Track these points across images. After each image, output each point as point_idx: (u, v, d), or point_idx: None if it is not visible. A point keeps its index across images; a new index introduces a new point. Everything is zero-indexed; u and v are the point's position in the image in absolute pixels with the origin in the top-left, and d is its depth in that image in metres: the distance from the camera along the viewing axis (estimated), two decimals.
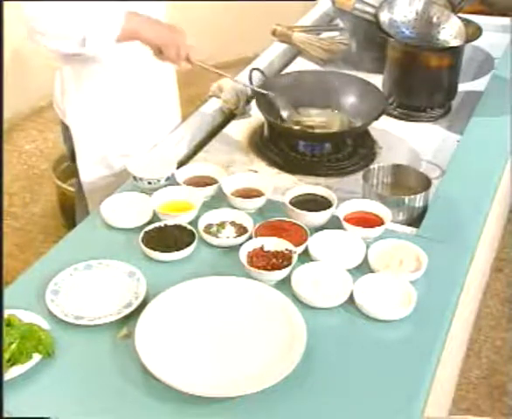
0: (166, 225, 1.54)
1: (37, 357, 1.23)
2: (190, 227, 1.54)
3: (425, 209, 1.63)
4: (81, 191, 1.98)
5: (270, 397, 1.17)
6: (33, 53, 2.47)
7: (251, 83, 2.10)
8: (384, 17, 2.13)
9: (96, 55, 1.74)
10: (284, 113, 1.96)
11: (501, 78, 2.26)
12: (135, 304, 1.34)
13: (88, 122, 1.89)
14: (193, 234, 1.52)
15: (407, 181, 1.71)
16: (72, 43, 1.69)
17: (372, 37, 2.22)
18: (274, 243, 1.47)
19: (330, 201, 1.60)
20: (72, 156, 1.96)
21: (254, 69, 2.18)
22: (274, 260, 1.43)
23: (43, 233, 3.10)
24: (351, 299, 1.36)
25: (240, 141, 1.99)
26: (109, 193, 1.67)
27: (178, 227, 1.54)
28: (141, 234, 1.51)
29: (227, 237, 1.52)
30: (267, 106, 1.95)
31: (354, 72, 2.20)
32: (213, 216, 1.57)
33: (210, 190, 1.66)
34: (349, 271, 1.42)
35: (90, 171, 1.93)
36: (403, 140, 2.02)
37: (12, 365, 1.21)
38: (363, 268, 1.45)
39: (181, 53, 1.74)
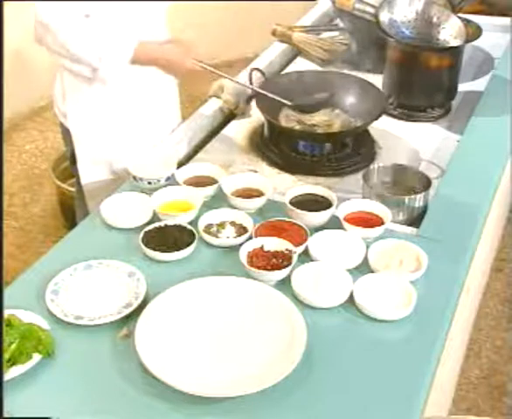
0: (166, 225, 1.54)
1: (37, 357, 1.23)
2: (190, 227, 1.54)
3: (425, 209, 1.63)
4: (81, 192, 1.98)
5: (270, 397, 1.17)
6: (33, 53, 2.48)
7: (251, 83, 2.10)
8: (384, 17, 2.13)
9: (106, 79, 1.81)
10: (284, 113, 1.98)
11: (501, 78, 2.26)
12: (135, 304, 1.34)
13: (89, 124, 1.89)
14: (193, 234, 1.52)
15: (407, 181, 1.71)
16: (83, 68, 1.78)
17: (372, 37, 2.22)
18: (274, 243, 1.47)
19: (330, 201, 1.60)
20: (72, 158, 1.96)
21: (254, 69, 2.18)
22: (274, 260, 1.43)
23: (43, 233, 3.10)
24: (351, 299, 1.36)
25: (240, 141, 1.99)
26: (109, 194, 1.67)
27: (178, 227, 1.54)
28: (141, 234, 1.51)
29: (227, 237, 1.52)
30: (267, 106, 1.95)
31: (354, 72, 2.20)
32: (213, 216, 1.57)
33: (210, 190, 1.66)
34: (349, 271, 1.42)
35: (90, 173, 1.93)
36: (403, 140, 2.02)
37: (12, 365, 1.21)
38: (363, 268, 1.45)
39: (182, 67, 1.86)
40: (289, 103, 1.94)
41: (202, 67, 1.86)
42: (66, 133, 1.94)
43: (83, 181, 1.94)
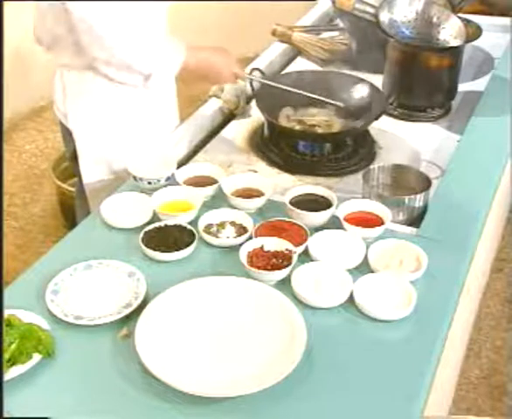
0: (166, 225, 1.54)
1: (37, 357, 1.23)
2: (190, 227, 1.54)
3: (425, 209, 1.63)
4: (82, 192, 1.98)
5: (270, 397, 1.17)
6: (33, 53, 2.48)
7: (251, 84, 2.10)
8: (384, 17, 2.13)
9: (153, 87, 1.81)
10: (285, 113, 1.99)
11: (501, 78, 2.26)
12: (135, 304, 1.34)
13: (90, 124, 1.89)
14: (193, 234, 1.52)
15: (407, 181, 1.71)
16: (136, 77, 1.77)
17: (372, 37, 2.22)
18: (274, 243, 1.47)
19: (330, 201, 1.60)
20: (73, 158, 1.96)
21: (254, 69, 2.18)
22: (274, 260, 1.43)
23: (43, 233, 3.10)
24: (351, 299, 1.36)
25: (240, 141, 1.98)
26: (111, 193, 1.67)
27: (178, 227, 1.54)
28: (141, 234, 1.51)
29: (227, 237, 1.52)
30: (267, 106, 1.95)
31: (354, 72, 2.20)
32: (213, 216, 1.57)
33: (210, 190, 1.66)
34: (349, 271, 1.42)
35: (92, 172, 1.93)
36: (403, 140, 2.01)
37: (12, 365, 1.21)
38: (363, 268, 1.45)
39: (227, 75, 1.93)
40: (342, 105, 1.97)
41: (245, 76, 1.95)
42: (66, 133, 1.93)
43: (85, 180, 1.94)
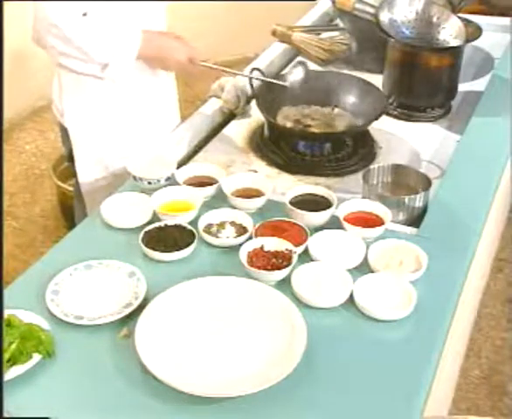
0: (166, 225, 1.54)
1: (37, 357, 1.23)
2: (190, 227, 1.54)
3: (425, 209, 1.63)
4: (80, 192, 1.98)
5: (270, 397, 1.17)
6: (33, 54, 2.49)
7: (251, 84, 2.10)
8: (384, 17, 2.13)
9: (112, 78, 1.81)
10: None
11: (501, 78, 2.26)
12: (135, 304, 1.34)
13: (86, 124, 1.89)
14: (193, 234, 1.52)
15: (407, 181, 1.71)
16: (93, 67, 1.77)
17: (372, 37, 2.22)
18: (274, 243, 1.47)
19: (330, 201, 1.60)
20: (70, 157, 1.96)
21: (254, 69, 2.18)
22: (274, 260, 1.43)
23: (43, 233, 3.10)
24: (351, 299, 1.36)
25: (240, 141, 1.99)
26: (107, 194, 1.67)
27: (178, 227, 1.54)
28: (141, 234, 1.51)
29: (227, 237, 1.52)
30: (267, 106, 1.95)
31: (354, 72, 2.20)
32: (213, 216, 1.57)
33: (210, 190, 1.66)
34: (349, 271, 1.42)
35: (88, 172, 1.93)
36: (403, 140, 2.02)
37: (12, 365, 1.21)
38: (363, 268, 1.45)
39: (181, 59, 1.84)
40: (287, 84, 1.95)
41: (207, 67, 1.89)
42: (64, 132, 1.94)
43: (80, 179, 1.94)
